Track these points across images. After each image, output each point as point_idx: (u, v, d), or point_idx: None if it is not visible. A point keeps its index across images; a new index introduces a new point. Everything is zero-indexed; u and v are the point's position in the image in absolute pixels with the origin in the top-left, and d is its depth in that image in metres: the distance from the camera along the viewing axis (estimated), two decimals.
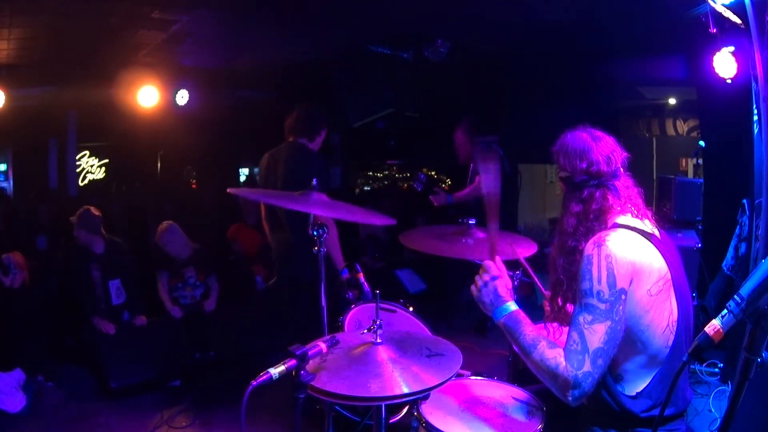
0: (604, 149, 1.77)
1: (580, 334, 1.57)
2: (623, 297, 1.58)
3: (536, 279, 2.44)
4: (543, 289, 2.39)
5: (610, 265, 1.58)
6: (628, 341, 1.63)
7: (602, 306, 1.57)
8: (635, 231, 1.69)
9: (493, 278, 1.80)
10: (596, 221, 1.74)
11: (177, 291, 4.89)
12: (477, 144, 5.21)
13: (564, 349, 1.59)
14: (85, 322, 4.43)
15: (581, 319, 1.59)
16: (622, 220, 1.73)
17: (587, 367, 1.54)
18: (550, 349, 1.61)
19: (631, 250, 1.62)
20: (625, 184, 1.79)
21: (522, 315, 1.74)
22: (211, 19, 4.79)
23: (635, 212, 1.77)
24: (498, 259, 1.88)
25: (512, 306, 1.76)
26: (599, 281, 1.57)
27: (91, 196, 8.32)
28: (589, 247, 1.64)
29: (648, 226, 1.76)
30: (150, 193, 9.21)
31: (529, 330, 1.69)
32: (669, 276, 1.66)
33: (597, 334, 1.56)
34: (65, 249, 4.72)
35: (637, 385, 1.66)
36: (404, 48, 5.70)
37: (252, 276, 5.59)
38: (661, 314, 1.64)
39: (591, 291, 1.58)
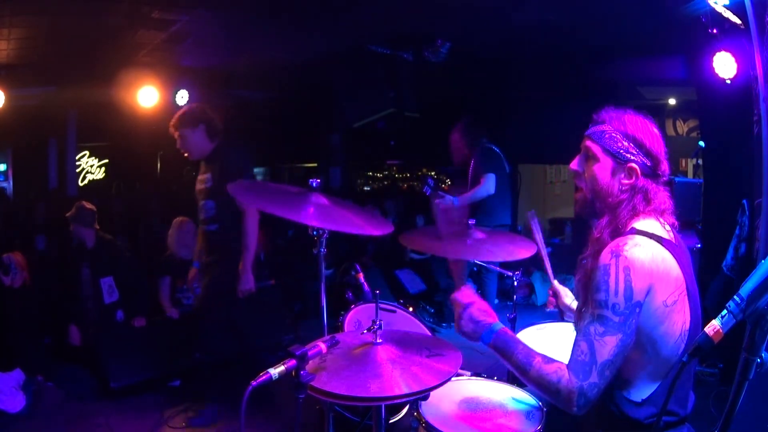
0: (665, 149, 1.69)
1: (590, 345, 1.53)
2: (638, 310, 1.53)
3: (547, 263, 2.40)
4: (551, 275, 2.38)
5: (628, 278, 1.51)
6: (640, 349, 1.58)
7: (616, 319, 1.51)
8: (653, 238, 1.60)
9: (466, 307, 1.74)
10: (633, 216, 1.65)
11: (183, 292, 4.91)
12: (475, 147, 5.20)
13: (570, 359, 1.56)
14: (84, 323, 4.45)
15: (592, 329, 1.54)
16: (641, 225, 1.64)
17: (594, 378, 1.50)
18: (548, 363, 1.57)
19: (650, 261, 1.54)
20: (665, 190, 1.72)
21: (509, 333, 1.69)
22: (210, 19, 4.80)
23: (658, 215, 1.68)
24: (466, 286, 1.82)
25: (496, 326, 1.69)
26: (616, 294, 1.52)
27: (91, 196, 8.31)
28: (606, 257, 1.57)
29: (666, 230, 1.68)
30: (150, 193, 9.21)
31: (520, 347, 1.64)
32: (684, 285, 1.60)
33: (607, 346, 1.51)
34: (59, 247, 4.72)
35: (643, 392, 1.62)
36: (404, 48, 5.70)
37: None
38: (675, 323, 1.58)
39: (606, 303, 1.53)
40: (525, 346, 1.65)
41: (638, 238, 1.59)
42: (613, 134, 1.67)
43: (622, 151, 1.66)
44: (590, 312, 1.57)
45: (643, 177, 1.66)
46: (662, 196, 1.69)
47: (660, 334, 1.57)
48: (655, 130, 1.69)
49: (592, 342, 1.53)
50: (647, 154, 1.66)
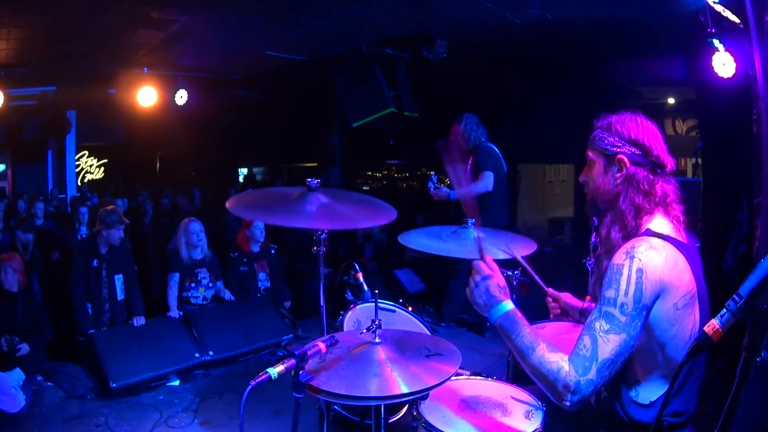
0: (661, 141, 1.72)
1: (593, 341, 1.53)
2: (645, 313, 1.54)
3: (536, 276, 2.39)
4: (544, 286, 2.36)
5: (639, 280, 1.53)
6: (650, 352, 1.59)
7: (623, 318, 1.52)
8: (668, 241, 1.60)
9: (485, 278, 1.72)
10: (637, 211, 1.67)
11: (190, 291, 4.92)
12: (474, 145, 5.20)
13: (571, 352, 1.56)
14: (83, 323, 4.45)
15: (597, 325, 1.54)
16: (655, 225, 1.65)
17: (592, 375, 1.50)
18: (551, 352, 1.57)
19: (663, 265, 1.55)
20: (667, 181, 1.72)
21: (519, 315, 1.68)
22: (210, 19, 4.80)
23: (670, 214, 1.69)
24: (489, 258, 1.80)
25: (508, 305, 1.68)
26: (626, 294, 1.53)
27: (90, 196, 8.32)
28: (620, 256, 1.58)
29: (678, 230, 1.69)
30: (149, 193, 9.22)
31: (527, 331, 1.63)
32: (695, 288, 1.61)
33: (610, 344, 1.52)
34: (74, 249, 4.71)
35: (652, 393, 1.62)
36: (403, 48, 5.70)
37: (255, 274, 5.56)
38: (685, 326, 1.59)
39: (615, 301, 1.54)
40: (532, 330, 1.64)
41: (653, 240, 1.60)
42: (601, 134, 1.75)
43: (609, 146, 1.72)
44: (598, 308, 1.58)
45: (633, 165, 1.69)
46: (661, 186, 1.70)
47: (671, 336, 1.58)
48: (642, 120, 1.73)
49: (595, 338, 1.53)
50: (633, 143, 1.69)
